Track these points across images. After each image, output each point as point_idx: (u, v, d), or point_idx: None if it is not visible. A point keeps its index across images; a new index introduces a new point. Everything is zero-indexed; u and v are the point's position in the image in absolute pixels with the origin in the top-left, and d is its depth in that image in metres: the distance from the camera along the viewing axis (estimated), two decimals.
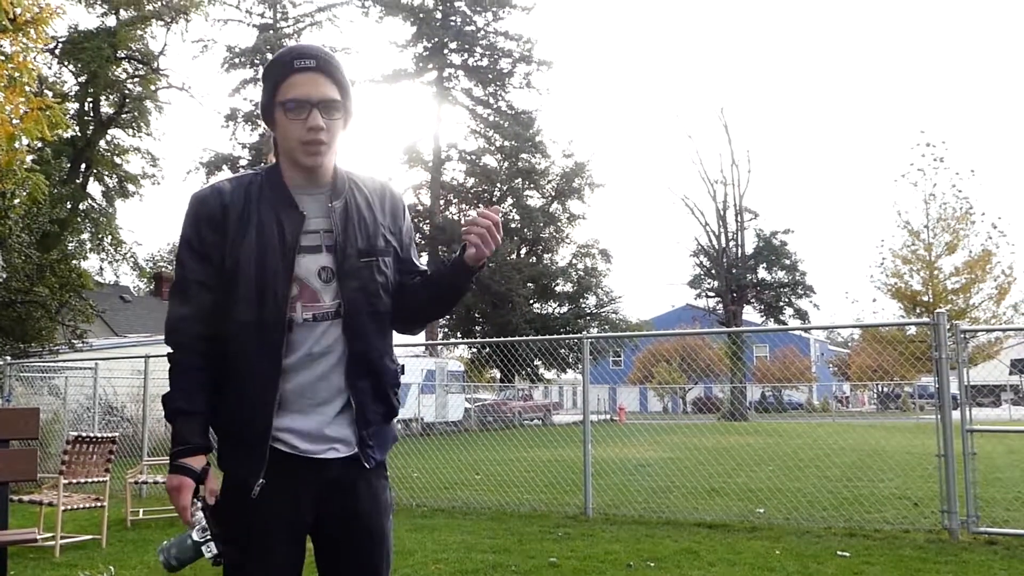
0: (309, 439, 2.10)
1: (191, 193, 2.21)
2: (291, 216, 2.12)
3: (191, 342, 2.11)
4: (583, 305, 38.52)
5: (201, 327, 2.10)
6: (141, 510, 8.93)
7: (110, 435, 7.87)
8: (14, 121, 9.84)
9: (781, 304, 43.28)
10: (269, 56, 40.42)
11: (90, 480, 7.51)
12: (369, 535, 2.19)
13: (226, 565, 2.11)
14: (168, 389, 2.12)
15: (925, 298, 26.34)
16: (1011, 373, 32.36)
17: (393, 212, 2.29)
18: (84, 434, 7.64)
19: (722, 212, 41.50)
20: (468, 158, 39.58)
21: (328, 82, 2.12)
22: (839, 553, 6.41)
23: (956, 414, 7.31)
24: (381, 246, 2.20)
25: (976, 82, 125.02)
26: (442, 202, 39.12)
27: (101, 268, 34.43)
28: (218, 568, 2.10)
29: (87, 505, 7.43)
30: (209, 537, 2.02)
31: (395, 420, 2.29)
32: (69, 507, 7.19)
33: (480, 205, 39.36)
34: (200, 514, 2.03)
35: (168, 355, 2.14)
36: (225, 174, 39.11)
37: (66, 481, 7.17)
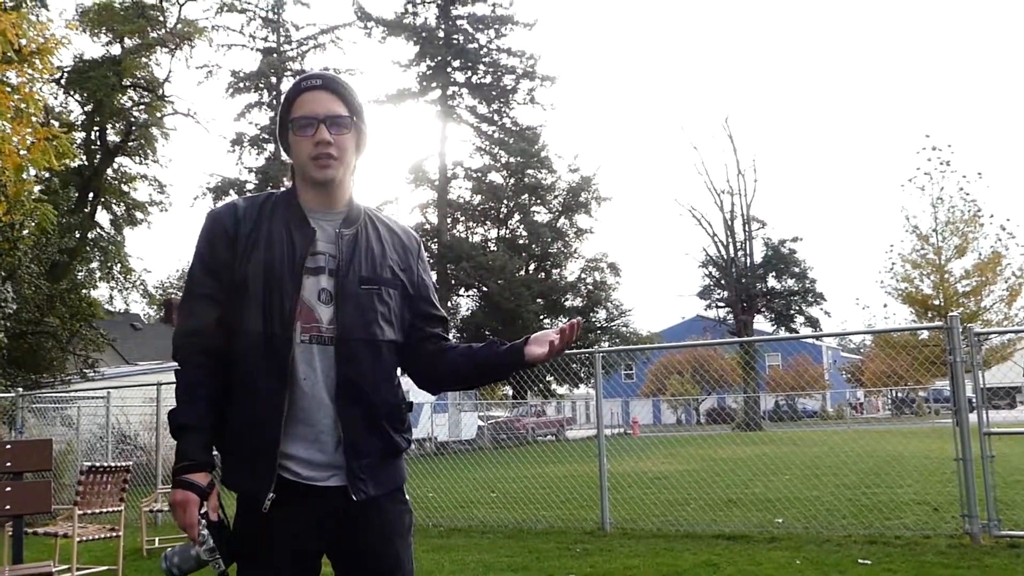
0: (311, 467, 2.08)
1: (208, 211, 2.24)
2: (302, 232, 2.14)
3: (197, 358, 2.11)
4: (593, 319, 38.43)
5: (207, 342, 2.11)
6: (157, 539, 8.91)
7: (124, 464, 7.85)
8: (21, 152, 9.90)
9: (792, 312, 43.18)
10: (273, 80, 40.75)
11: (105, 510, 7.48)
12: (380, 566, 2.17)
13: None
14: (175, 405, 2.12)
15: (936, 302, 26.21)
16: None
17: (406, 251, 2.30)
18: (98, 464, 7.62)
19: (730, 222, 41.52)
20: (474, 175, 39.63)
21: (334, 99, 2.15)
22: (860, 561, 6.34)
23: (973, 417, 7.25)
24: (387, 277, 2.20)
25: (981, 85, 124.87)
26: (449, 220, 39.15)
27: (111, 296, 34.58)
28: None
29: (102, 536, 7.41)
30: (217, 556, 2.04)
31: (398, 456, 2.24)
32: (84, 538, 7.16)
33: (487, 223, 39.42)
34: (205, 532, 2.04)
35: (175, 370, 2.15)
36: (232, 199, 39.29)
37: (81, 512, 7.14)
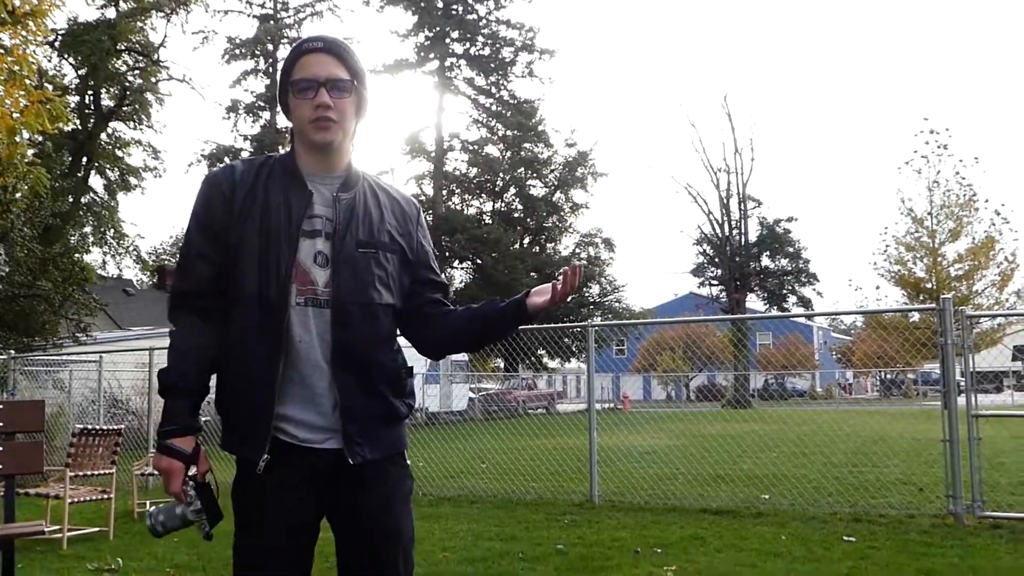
0: (307, 428, 2.09)
1: (205, 174, 2.24)
2: (299, 195, 2.13)
3: (190, 318, 2.12)
4: (587, 294, 38.50)
5: (202, 303, 2.12)
6: (148, 502, 8.94)
7: (116, 427, 7.88)
8: (14, 115, 9.84)
9: (784, 292, 43.30)
10: (270, 47, 40.50)
11: (96, 473, 7.52)
12: (377, 529, 2.16)
13: (235, 548, 2.14)
14: (166, 364, 2.12)
15: (928, 285, 26.32)
16: (1014, 359, 32.32)
17: (405, 217, 2.29)
18: (90, 427, 7.65)
19: (725, 200, 41.49)
20: (471, 148, 39.52)
21: (336, 62, 2.14)
22: (845, 538, 6.41)
23: (961, 399, 7.31)
24: (384, 241, 2.19)
25: (980, 69, 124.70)
26: (445, 192, 39.08)
27: (104, 262, 34.52)
28: (226, 562, 2.14)
29: (94, 498, 7.45)
30: (204, 517, 2.07)
31: (398, 421, 2.23)
32: (76, 500, 7.20)
33: (483, 195, 39.33)
34: (193, 493, 2.05)
35: (169, 331, 2.15)
36: (231, 162, 39.11)
37: (72, 474, 7.18)
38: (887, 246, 28.00)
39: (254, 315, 2.07)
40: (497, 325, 2.25)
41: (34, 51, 11.10)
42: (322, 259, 2.11)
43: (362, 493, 2.13)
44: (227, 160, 38.02)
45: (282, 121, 39.63)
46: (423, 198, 37.87)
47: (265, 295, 2.06)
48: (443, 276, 2.38)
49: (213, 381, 2.17)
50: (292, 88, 2.14)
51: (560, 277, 2.15)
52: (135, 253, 36.80)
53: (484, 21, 39.19)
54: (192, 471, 2.07)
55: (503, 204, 39.53)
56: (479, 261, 36.39)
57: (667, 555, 5.99)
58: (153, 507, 2.13)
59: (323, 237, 2.12)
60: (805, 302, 42.94)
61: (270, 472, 2.05)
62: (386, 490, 2.18)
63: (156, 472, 8.93)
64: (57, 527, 6.85)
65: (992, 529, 6.66)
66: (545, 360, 36.19)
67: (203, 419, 2.16)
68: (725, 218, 41.66)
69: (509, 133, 38.42)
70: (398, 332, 2.29)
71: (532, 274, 35.93)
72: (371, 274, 2.14)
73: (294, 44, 2.21)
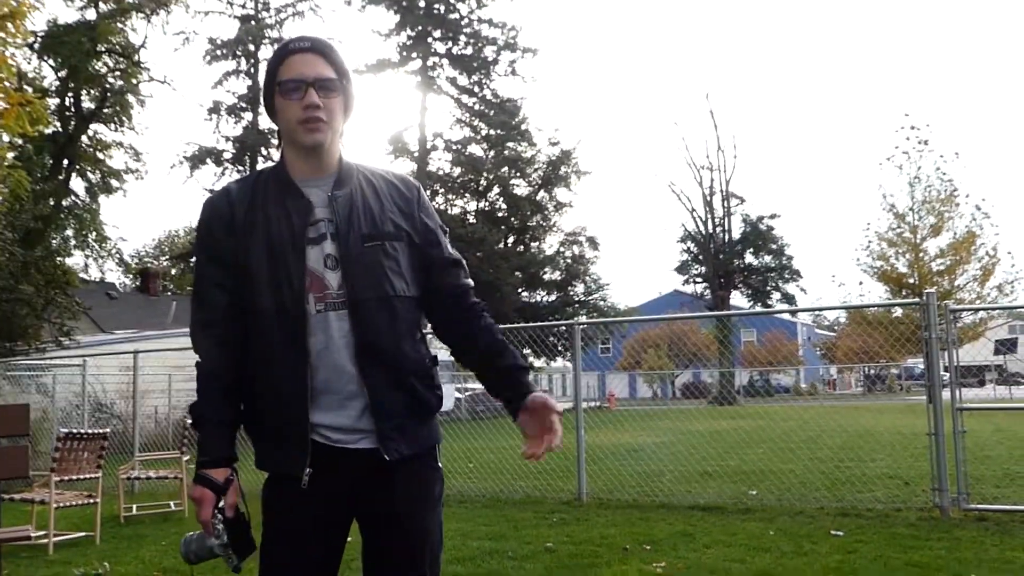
0: (342, 431, 2.07)
1: (204, 200, 2.22)
2: (298, 205, 2.11)
3: (213, 350, 2.12)
4: (571, 293, 38.50)
5: (221, 332, 2.12)
6: (134, 506, 8.92)
7: (101, 431, 7.83)
8: None
9: (768, 289, 43.48)
10: (251, 47, 40.30)
11: (82, 477, 7.47)
12: (407, 531, 2.14)
13: (262, 560, 2.14)
14: (196, 398, 2.13)
15: (911, 280, 26.51)
16: (996, 353, 32.60)
17: (406, 200, 2.24)
18: (75, 431, 7.59)
19: (708, 198, 41.66)
20: (454, 147, 39.43)
21: (323, 62, 2.11)
22: (832, 532, 6.45)
23: (945, 393, 7.36)
24: (389, 231, 2.15)
25: (960, 64, 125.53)
26: (428, 192, 38.96)
27: (86, 265, 34.21)
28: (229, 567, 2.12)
29: (80, 502, 7.40)
30: (231, 552, 2.06)
31: (432, 413, 2.22)
32: (62, 504, 7.15)
33: (467, 195, 39.26)
34: (221, 526, 2.03)
35: (196, 363, 2.15)
36: (209, 168, 38.87)
37: (58, 478, 7.12)
38: (869, 242, 28.21)
39: (274, 331, 2.06)
40: (488, 386, 2.24)
41: (13, 53, 11.01)
42: (332, 261, 2.08)
43: (395, 493, 2.11)
44: (209, 162, 37.87)
45: (264, 122, 39.42)
46: None
47: (281, 310, 2.05)
48: (453, 252, 2.32)
49: None
50: (279, 89, 2.11)
51: (549, 434, 2.10)
52: (118, 256, 36.51)
53: (466, 20, 39.11)
54: (221, 503, 2.05)
55: (487, 203, 39.47)
56: (463, 261, 36.40)
57: (656, 552, 6.00)
58: (190, 533, 2.11)
59: (329, 240, 2.10)
60: (789, 298, 43.14)
61: (311, 483, 2.04)
62: (418, 490, 2.16)
63: (143, 476, 8.92)
64: (43, 532, 6.80)
65: (978, 521, 6.72)
66: (531, 359, 36.19)
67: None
68: (709, 215, 41.83)
69: (492, 132, 38.35)
70: (423, 320, 2.26)
71: (517, 273, 35.91)
72: (382, 267, 2.10)
73: (279, 44, 2.18)
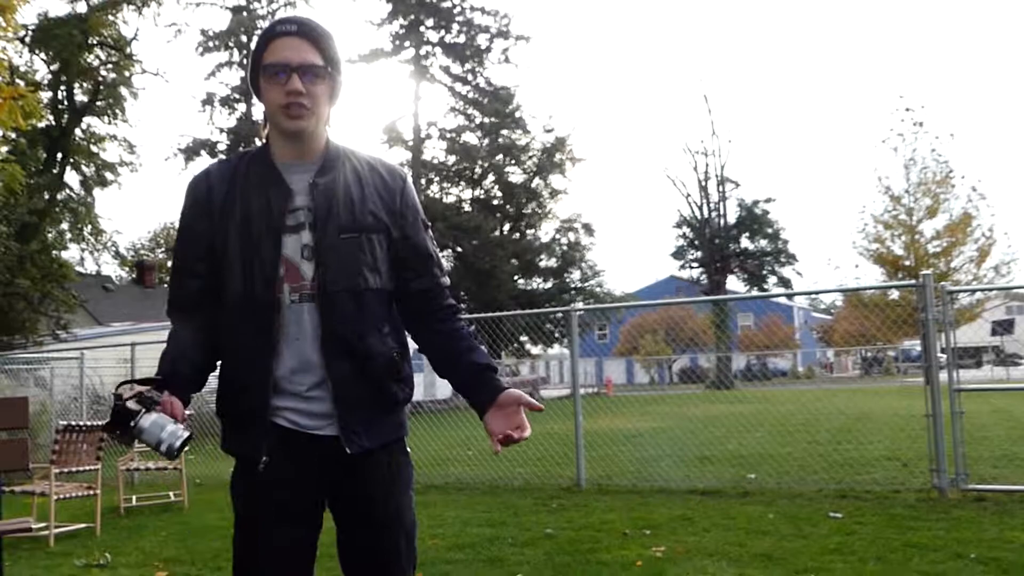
0: (309, 416, 2.07)
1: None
2: (277, 192, 2.08)
3: (181, 332, 2.15)
4: (567, 280, 38.51)
5: (191, 315, 2.14)
6: (134, 497, 8.93)
7: (100, 423, 7.83)
8: None
9: (764, 273, 43.51)
10: (243, 39, 40.18)
11: (82, 469, 7.48)
12: (380, 513, 2.15)
13: (235, 542, 2.13)
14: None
15: (907, 262, 26.50)
16: (993, 334, 32.64)
17: (389, 191, 2.19)
18: (74, 423, 7.60)
19: (704, 183, 41.60)
20: (448, 136, 39.35)
21: (310, 47, 2.07)
22: (831, 514, 6.47)
23: (943, 375, 7.37)
24: (369, 222, 2.11)
25: (955, 44, 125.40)
26: (423, 181, 38.92)
27: (82, 258, 34.22)
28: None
29: (80, 494, 7.41)
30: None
31: (398, 405, 2.19)
32: (62, 496, 7.16)
33: (462, 183, 39.21)
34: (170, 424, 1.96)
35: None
36: (204, 159, 38.75)
37: (57, 470, 7.13)
38: (865, 224, 28.18)
39: (243, 318, 2.06)
40: (461, 387, 2.23)
41: (4, 47, 10.98)
42: (308, 252, 2.06)
43: (363, 480, 2.11)
44: (204, 153, 37.77)
45: (258, 113, 39.37)
46: None
47: (251, 297, 2.04)
48: (428, 247, 2.26)
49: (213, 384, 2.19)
50: (263, 72, 2.07)
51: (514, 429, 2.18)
52: (113, 249, 36.58)
53: (458, 8, 38.97)
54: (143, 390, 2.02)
55: (482, 191, 39.41)
56: (459, 249, 36.26)
57: (656, 536, 6.02)
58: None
59: (307, 229, 2.07)
60: (785, 282, 43.19)
61: (271, 467, 2.04)
62: (386, 477, 2.16)
63: (142, 467, 8.91)
64: (44, 524, 6.81)
65: (976, 502, 6.74)
66: (528, 346, 36.20)
67: (188, 412, 2.11)
68: (704, 200, 41.80)
69: (486, 120, 38.28)
70: (393, 313, 2.23)
71: (513, 260, 35.90)
72: (356, 259, 2.08)
73: (267, 25, 2.14)
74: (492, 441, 2.13)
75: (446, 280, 2.30)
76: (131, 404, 1.98)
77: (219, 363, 2.18)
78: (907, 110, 27.15)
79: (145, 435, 1.95)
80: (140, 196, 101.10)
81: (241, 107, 38.42)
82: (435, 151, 39.82)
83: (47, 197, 25.42)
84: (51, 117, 28.00)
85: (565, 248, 38.74)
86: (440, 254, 2.31)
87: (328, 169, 2.12)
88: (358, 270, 2.08)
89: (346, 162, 2.16)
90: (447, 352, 2.22)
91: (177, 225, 2.20)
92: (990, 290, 27.58)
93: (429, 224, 2.29)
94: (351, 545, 2.18)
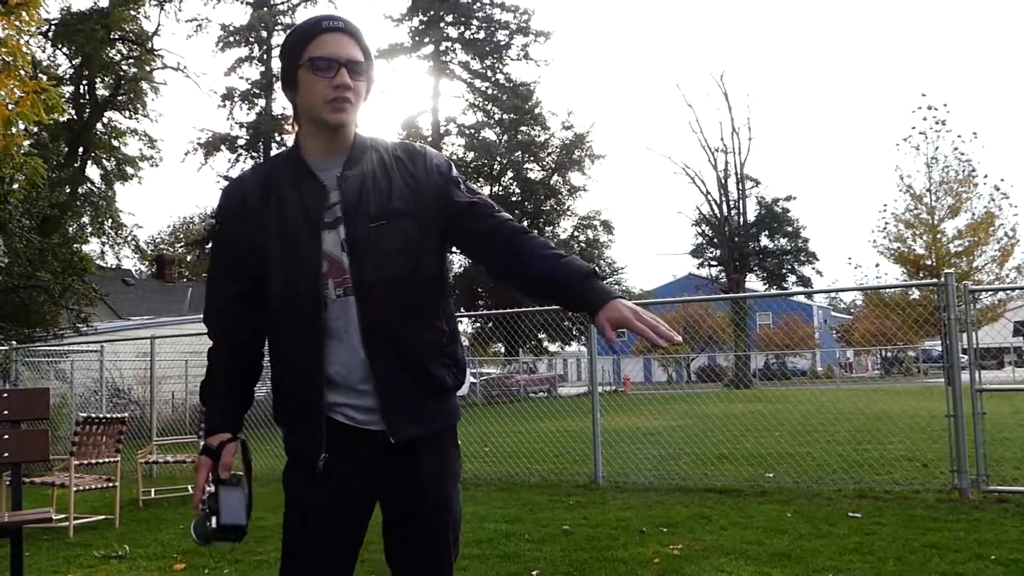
0: (363, 411, 2.07)
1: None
2: (312, 189, 2.09)
3: (222, 335, 2.18)
4: None
5: (231, 318, 2.17)
6: (153, 490, 8.99)
7: (119, 415, 7.89)
8: (10, 105, 9.78)
9: (784, 272, 43.28)
10: (264, 34, 40.28)
11: (101, 461, 7.53)
12: (433, 503, 2.15)
13: (284, 544, 2.14)
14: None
15: (928, 262, 26.32)
16: (1015, 334, 32.34)
17: (412, 170, 2.17)
18: (94, 415, 7.65)
19: (723, 180, 41.40)
20: (467, 132, 39.41)
21: (354, 44, 2.10)
22: (850, 514, 6.42)
23: (964, 375, 7.31)
24: (398, 207, 2.10)
25: (979, 43, 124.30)
26: None
27: (102, 252, 34.51)
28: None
29: (99, 486, 7.46)
30: (207, 511, 2.01)
31: (447, 393, 2.18)
32: (81, 488, 7.21)
33: (480, 180, 39.22)
34: (211, 488, 2.02)
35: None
36: (223, 154, 38.95)
37: (77, 462, 7.18)
38: (886, 223, 28.01)
39: (290, 317, 2.07)
40: (560, 300, 2.14)
41: (28, 41, 11.04)
42: (346, 246, 2.08)
43: (412, 467, 2.12)
44: (224, 148, 37.93)
45: (277, 108, 39.53)
46: None
47: (296, 296, 2.05)
48: (472, 194, 2.21)
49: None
50: (310, 65, 2.07)
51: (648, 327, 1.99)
52: (133, 243, 36.73)
53: (478, 4, 39.02)
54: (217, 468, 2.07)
55: (500, 188, 39.43)
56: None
57: (673, 534, 5.99)
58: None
59: (342, 223, 2.08)
60: (805, 281, 42.95)
61: (328, 462, 2.06)
62: (436, 464, 2.16)
63: (161, 460, 8.97)
64: (63, 515, 6.86)
65: (997, 503, 6.68)
66: (546, 344, 36.17)
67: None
68: (723, 198, 41.60)
69: (505, 117, 38.30)
70: (441, 296, 2.20)
71: None
72: (389, 247, 2.07)
73: (308, 20, 2.16)
74: (607, 334, 2.00)
75: (504, 214, 2.22)
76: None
77: (268, 366, 2.21)
78: (930, 109, 26.94)
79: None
80: (160, 190, 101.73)
81: (261, 102, 38.56)
82: (454, 147, 39.86)
83: (68, 191, 25.65)
84: (73, 111, 28.25)
85: (584, 245, 38.74)
86: (486, 196, 2.27)
87: (355, 161, 2.13)
88: (392, 257, 2.07)
89: (372, 152, 2.17)
90: (539, 276, 2.10)
91: (212, 233, 2.22)
92: (1013, 290, 27.34)
93: (462, 180, 2.25)
94: (399, 535, 2.18)
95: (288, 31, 2.22)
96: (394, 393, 2.06)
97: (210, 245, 2.25)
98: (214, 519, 2.00)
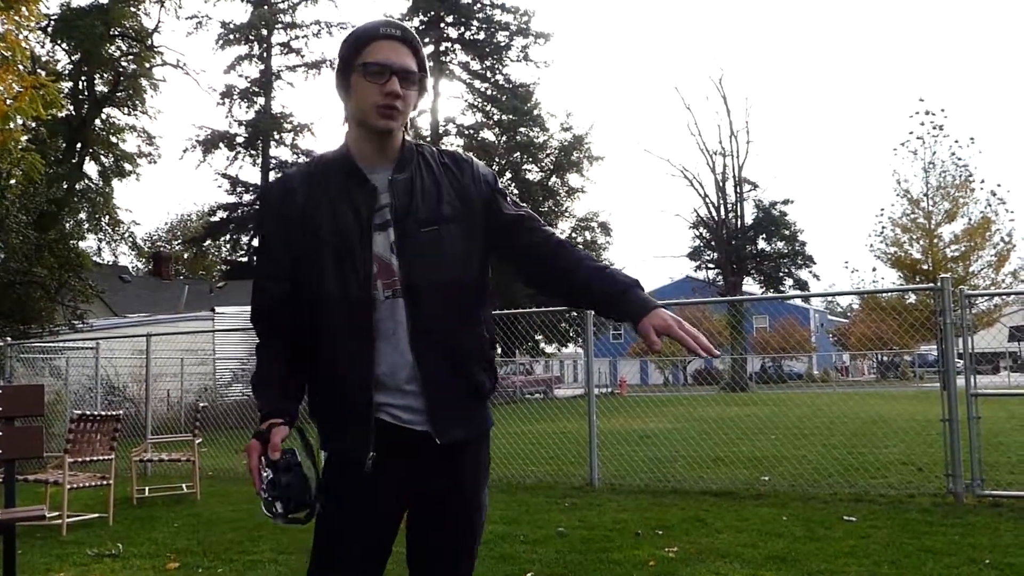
0: (409, 411, 2.07)
1: (262, 188, 2.19)
2: (363, 191, 2.10)
3: (271, 334, 2.17)
4: None
5: (278, 321, 2.15)
6: (147, 488, 8.97)
7: (114, 413, 7.86)
8: (8, 100, 9.76)
9: (781, 275, 43.34)
10: (264, 32, 40.25)
11: (95, 459, 7.50)
12: (469, 504, 2.18)
13: (316, 541, 2.13)
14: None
15: (925, 266, 26.34)
16: (1011, 339, 32.41)
17: (460, 178, 2.20)
18: (88, 412, 7.62)
19: (721, 183, 41.48)
20: (466, 132, 39.41)
21: (409, 54, 2.12)
22: (845, 518, 6.43)
23: (960, 380, 7.31)
24: (447, 213, 2.12)
25: (976, 48, 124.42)
26: None
27: (99, 248, 34.42)
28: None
29: (93, 484, 7.44)
30: (269, 497, 1.99)
31: (484, 398, 2.20)
32: (75, 486, 7.18)
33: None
34: (268, 473, 1.99)
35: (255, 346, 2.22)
36: (222, 152, 38.92)
37: (71, 460, 7.16)
38: (883, 227, 28.03)
39: (339, 318, 2.06)
40: (602, 311, 2.18)
41: (27, 36, 11.02)
42: (395, 248, 2.08)
43: (452, 470, 2.13)
44: (222, 146, 37.90)
45: (277, 107, 39.50)
46: None
47: (347, 296, 2.05)
48: (517, 208, 2.26)
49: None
50: (363, 70, 2.08)
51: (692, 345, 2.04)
52: (131, 240, 36.72)
53: (479, 5, 39.03)
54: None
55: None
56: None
57: (668, 536, 5.99)
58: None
59: (392, 226, 2.09)
60: (801, 284, 43.01)
61: (374, 463, 2.05)
62: (475, 469, 2.19)
63: (155, 459, 8.93)
64: (56, 513, 6.84)
65: (992, 507, 6.69)
66: (543, 345, 36.16)
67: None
68: (721, 201, 41.69)
69: (504, 118, 38.31)
70: (484, 301, 2.23)
71: None
72: (439, 252, 2.09)
73: (366, 25, 2.16)
74: (651, 339, 2.03)
75: (549, 228, 2.27)
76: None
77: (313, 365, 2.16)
78: (927, 114, 26.96)
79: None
80: (158, 187, 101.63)
81: (260, 100, 38.52)
82: (453, 148, 39.71)
83: (66, 186, 25.57)
84: (71, 107, 28.20)
85: (581, 247, 38.61)
86: (528, 208, 2.30)
87: (404, 165, 2.15)
88: (442, 262, 2.09)
89: (418, 157, 2.19)
90: (581, 288, 2.15)
91: (257, 230, 2.21)
92: (1009, 295, 27.38)
93: (507, 192, 2.29)
94: (430, 536, 2.19)
95: (348, 31, 2.21)
96: (440, 395, 2.07)
97: (257, 244, 2.21)
98: (278, 504, 1.99)
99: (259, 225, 2.20)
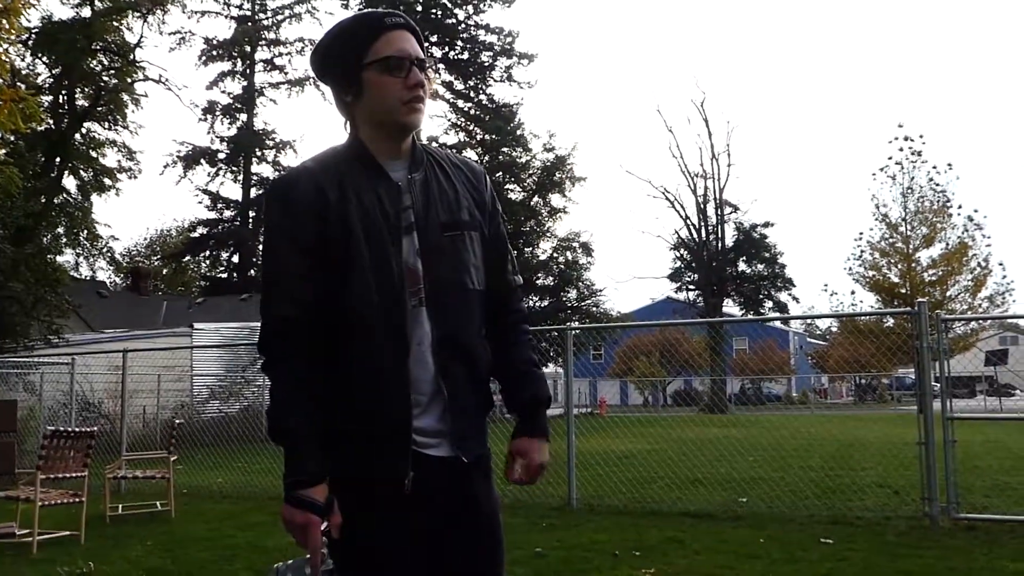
0: (425, 434, 1.91)
1: (275, 179, 2.04)
2: (389, 189, 1.96)
3: (299, 349, 1.88)
4: (564, 299, 38.51)
5: (308, 330, 1.89)
6: (120, 506, 8.86)
7: (88, 430, 7.77)
8: None
9: (761, 297, 43.50)
10: (247, 48, 40.17)
11: (68, 476, 7.40)
12: (492, 531, 2.04)
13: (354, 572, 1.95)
14: (272, 404, 1.89)
15: (903, 290, 26.56)
16: (987, 364, 32.64)
17: (476, 188, 2.11)
18: (62, 429, 7.53)
19: (702, 205, 41.66)
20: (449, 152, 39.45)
21: (416, 41, 1.99)
22: (822, 540, 6.43)
23: (936, 403, 7.36)
24: (465, 219, 2.02)
25: (955, 74, 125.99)
26: None
27: (77, 263, 34.19)
28: None
29: (65, 501, 7.34)
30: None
31: (489, 412, 2.09)
32: (47, 503, 7.08)
33: None
34: (330, 563, 1.85)
35: (266, 363, 1.93)
36: (203, 168, 38.79)
37: (43, 477, 7.06)
38: (862, 251, 28.29)
39: (378, 327, 1.88)
40: (510, 400, 2.15)
41: (7, 49, 10.98)
42: (419, 253, 1.95)
43: (472, 493, 1.99)
44: (203, 162, 37.77)
45: (259, 123, 39.46)
46: None
47: (382, 304, 1.88)
48: (517, 275, 2.20)
49: None
50: (382, 65, 1.93)
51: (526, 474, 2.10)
52: (109, 255, 36.49)
53: (463, 26, 39.16)
54: (326, 526, 1.81)
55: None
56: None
57: (646, 558, 5.97)
58: (280, 564, 1.93)
59: (414, 229, 1.96)
60: (781, 307, 43.16)
61: (404, 491, 1.88)
62: (488, 488, 2.06)
63: (129, 475, 8.79)
64: (28, 531, 6.75)
65: (967, 531, 6.71)
66: None
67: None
68: (702, 223, 41.85)
69: (487, 137, 38.37)
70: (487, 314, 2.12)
71: None
72: (460, 259, 1.99)
73: (364, 16, 1.99)
74: (512, 466, 2.08)
75: (519, 279, 2.22)
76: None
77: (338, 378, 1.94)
78: (906, 139, 27.28)
79: None
80: (138, 202, 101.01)
81: (242, 117, 38.44)
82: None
83: (44, 200, 25.38)
84: (51, 121, 28.02)
85: (562, 267, 38.75)
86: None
87: (418, 165, 2.03)
88: (463, 269, 1.99)
89: (430, 159, 2.08)
90: (514, 370, 2.13)
91: (275, 228, 1.96)
92: (985, 319, 27.63)
93: (504, 219, 2.22)
94: (462, 558, 1.99)
95: (334, 30, 2.02)
96: (463, 408, 1.95)
97: (274, 245, 1.95)
98: (321, 569, 1.81)
99: (280, 225, 1.94)
